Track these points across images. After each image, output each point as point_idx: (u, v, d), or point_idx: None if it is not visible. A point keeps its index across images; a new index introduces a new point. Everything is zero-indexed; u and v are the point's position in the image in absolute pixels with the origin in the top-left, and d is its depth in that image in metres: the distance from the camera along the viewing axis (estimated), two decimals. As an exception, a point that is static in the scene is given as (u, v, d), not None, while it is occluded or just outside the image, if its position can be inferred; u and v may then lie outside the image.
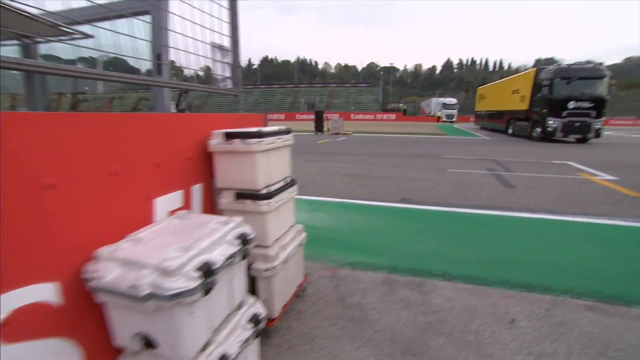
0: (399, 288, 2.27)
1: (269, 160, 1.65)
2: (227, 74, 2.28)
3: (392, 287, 2.29)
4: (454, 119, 37.19)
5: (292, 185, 1.91)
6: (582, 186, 5.43)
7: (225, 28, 2.10)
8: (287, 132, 1.82)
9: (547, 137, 13.19)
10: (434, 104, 40.51)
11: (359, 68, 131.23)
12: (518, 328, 1.84)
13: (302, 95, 55.00)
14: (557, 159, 8.43)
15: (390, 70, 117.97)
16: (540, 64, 14.28)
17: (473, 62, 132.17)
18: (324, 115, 17.92)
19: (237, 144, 1.54)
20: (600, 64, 13.08)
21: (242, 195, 1.62)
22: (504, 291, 2.23)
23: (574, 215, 3.90)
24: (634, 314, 1.97)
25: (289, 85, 62.84)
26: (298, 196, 2.06)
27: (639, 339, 1.75)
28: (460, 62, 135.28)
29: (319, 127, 17.25)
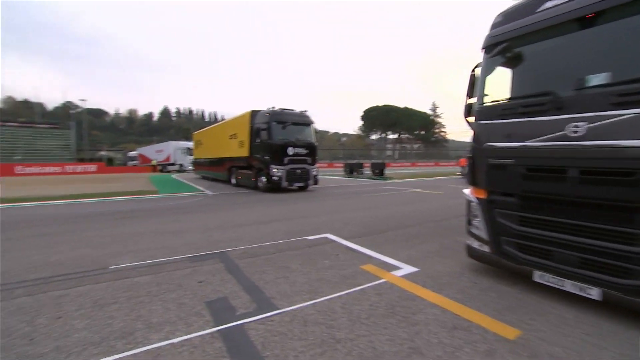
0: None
1: None
2: None
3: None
4: None
5: None
6: (422, 335, 2.31)
7: None
8: None
9: (273, 186, 11.50)
10: (174, 149, 32.84)
11: (50, 106, 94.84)
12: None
13: None
14: (310, 229, 5.73)
15: (98, 112, 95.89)
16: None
17: (190, 111, 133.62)
18: None
19: None
20: (306, 110, 13.16)
21: None
22: None
23: None
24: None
25: None
26: None
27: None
28: (178, 111, 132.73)
29: None
